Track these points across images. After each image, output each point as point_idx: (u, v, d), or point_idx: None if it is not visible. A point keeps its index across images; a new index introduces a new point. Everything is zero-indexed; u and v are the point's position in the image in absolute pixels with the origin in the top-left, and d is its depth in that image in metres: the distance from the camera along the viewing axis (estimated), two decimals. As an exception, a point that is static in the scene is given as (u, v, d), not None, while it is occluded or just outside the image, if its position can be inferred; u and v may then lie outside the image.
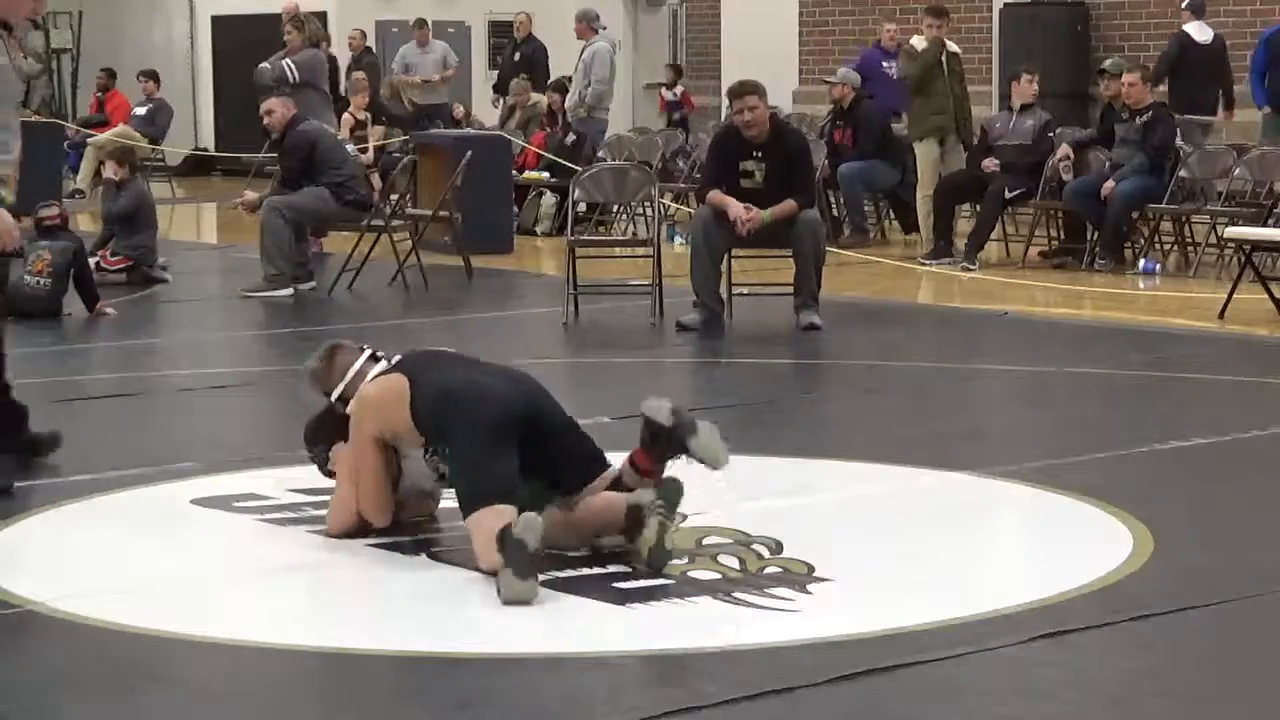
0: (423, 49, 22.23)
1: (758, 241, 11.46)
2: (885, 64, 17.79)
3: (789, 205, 11.22)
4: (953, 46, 15.89)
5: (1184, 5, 16.65)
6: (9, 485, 7.03)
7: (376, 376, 6.28)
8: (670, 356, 10.78)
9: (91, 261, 13.57)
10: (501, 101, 21.62)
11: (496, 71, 23.21)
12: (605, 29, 19.45)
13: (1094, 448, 7.78)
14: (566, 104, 18.73)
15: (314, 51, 15.89)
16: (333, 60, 18.68)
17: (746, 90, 11.36)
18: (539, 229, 17.50)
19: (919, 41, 15.89)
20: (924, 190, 15.43)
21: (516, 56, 21.58)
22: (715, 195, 11.36)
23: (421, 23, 22.60)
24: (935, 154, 15.46)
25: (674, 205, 16.91)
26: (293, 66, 15.43)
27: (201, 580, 5.95)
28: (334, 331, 12.19)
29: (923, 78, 15.45)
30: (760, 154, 11.31)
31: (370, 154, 18.24)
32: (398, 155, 17.55)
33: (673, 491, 6.01)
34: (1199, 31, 16.38)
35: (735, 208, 11.18)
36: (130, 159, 14.35)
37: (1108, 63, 15.61)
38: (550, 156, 17.76)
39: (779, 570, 5.88)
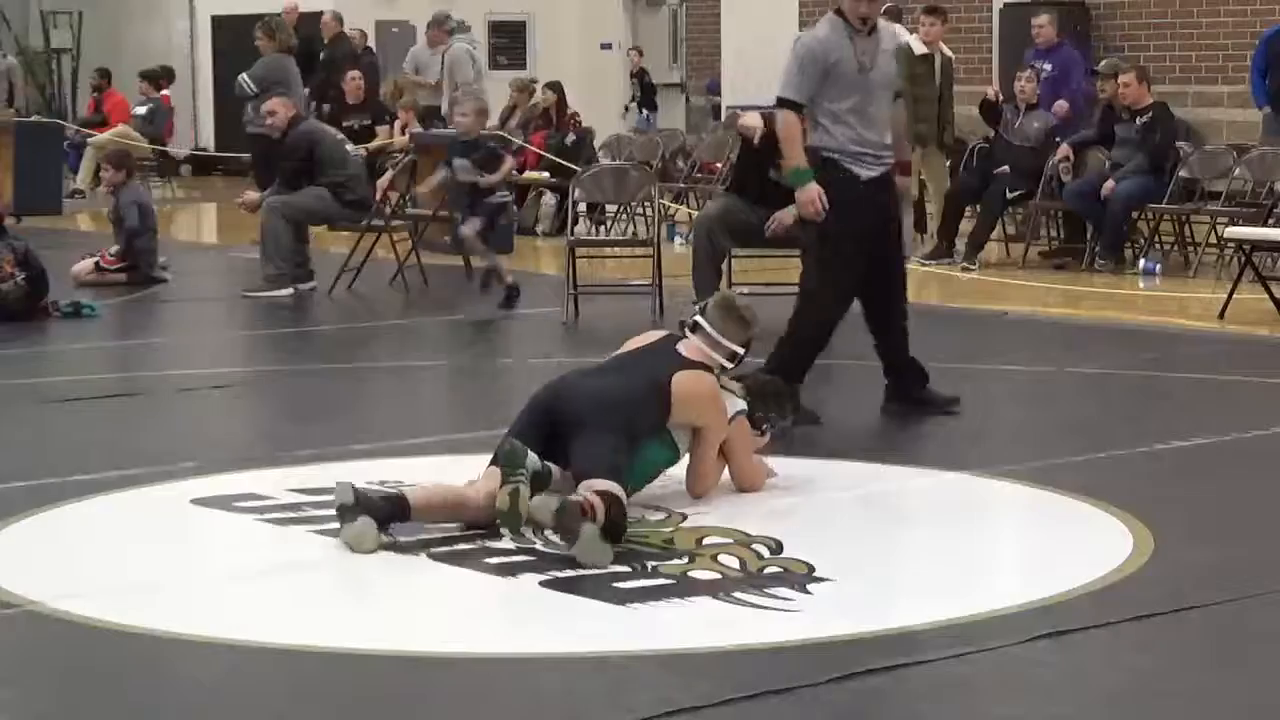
0: (434, 50, 22.11)
1: (770, 240, 11.42)
2: None
3: None
4: (947, 51, 15.68)
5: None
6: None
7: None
8: (670, 356, 10.74)
9: (91, 261, 13.61)
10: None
11: (496, 71, 23.18)
12: (466, 31, 19.25)
13: (1094, 448, 7.78)
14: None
15: (273, 58, 15.82)
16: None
17: None
18: (539, 229, 17.50)
19: (916, 43, 15.73)
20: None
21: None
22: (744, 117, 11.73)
23: (438, 21, 22.43)
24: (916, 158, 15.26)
25: (674, 205, 16.91)
26: (246, 80, 15.43)
27: (201, 580, 5.95)
28: (334, 331, 12.27)
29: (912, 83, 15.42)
30: None
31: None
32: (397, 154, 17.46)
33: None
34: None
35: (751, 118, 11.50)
36: (126, 162, 14.17)
37: (1101, 64, 15.62)
38: (550, 156, 17.75)
39: (779, 570, 5.88)
